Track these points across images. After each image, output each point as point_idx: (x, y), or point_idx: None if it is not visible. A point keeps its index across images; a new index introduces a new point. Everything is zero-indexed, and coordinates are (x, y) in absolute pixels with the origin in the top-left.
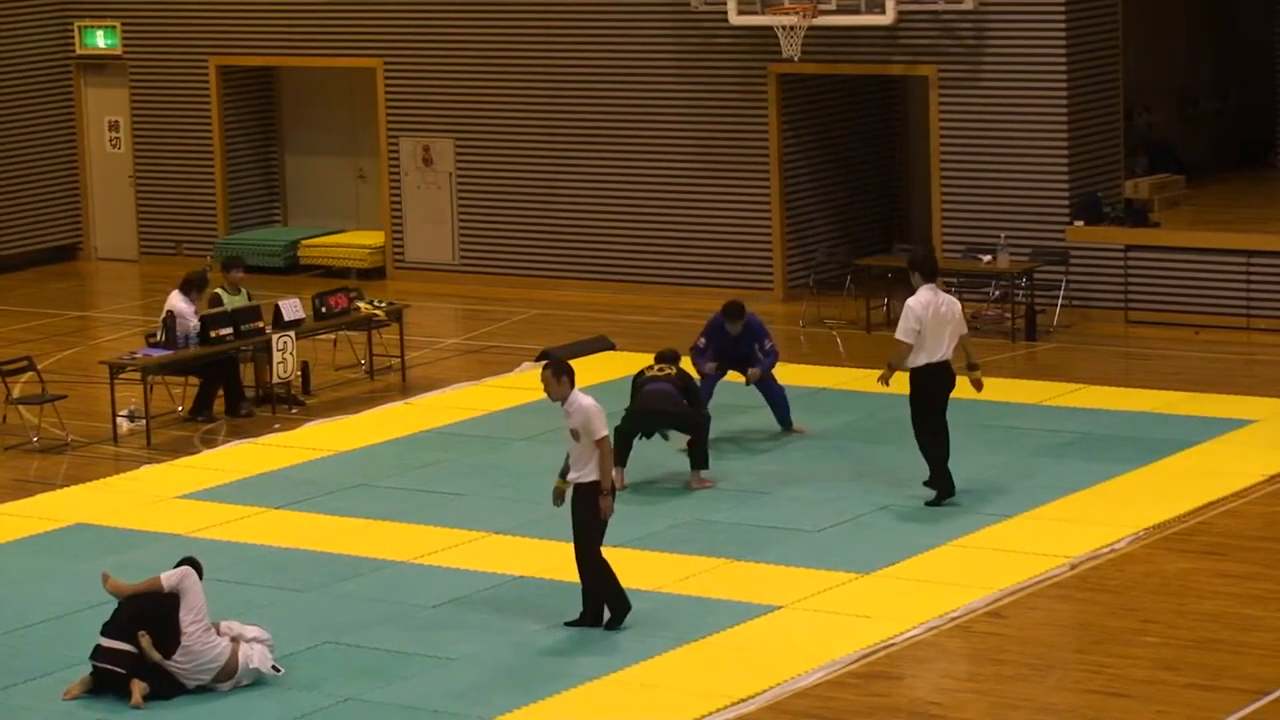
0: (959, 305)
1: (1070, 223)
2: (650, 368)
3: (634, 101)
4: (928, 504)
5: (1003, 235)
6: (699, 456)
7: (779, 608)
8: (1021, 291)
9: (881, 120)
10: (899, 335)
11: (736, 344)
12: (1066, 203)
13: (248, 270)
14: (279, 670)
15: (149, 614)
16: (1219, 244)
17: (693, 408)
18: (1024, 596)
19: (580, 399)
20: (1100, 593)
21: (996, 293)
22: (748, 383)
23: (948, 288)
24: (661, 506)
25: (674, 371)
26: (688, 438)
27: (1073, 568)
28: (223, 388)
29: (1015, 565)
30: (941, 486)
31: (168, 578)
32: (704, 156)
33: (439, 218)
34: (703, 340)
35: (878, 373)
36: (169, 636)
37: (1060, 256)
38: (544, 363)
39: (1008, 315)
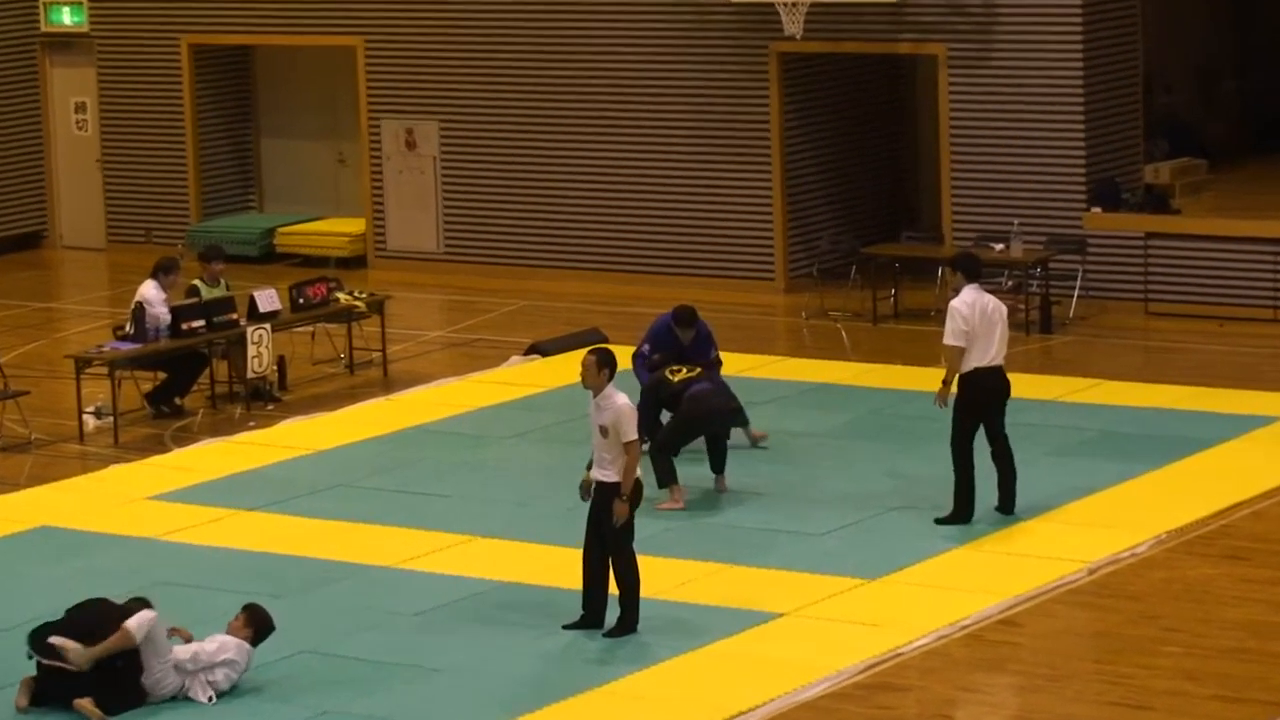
0: (1004, 306)
1: (1087, 209)
2: (672, 371)
3: (628, 81)
4: (937, 521)
5: (1016, 223)
6: (723, 458)
7: (780, 615)
8: (1036, 282)
9: (888, 101)
10: (948, 340)
11: (687, 352)
12: (1083, 188)
13: None
14: (211, 701)
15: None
16: (1244, 231)
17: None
18: (1039, 603)
19: (616, 396)
20: (1119, 600)
21: (1010, 283)
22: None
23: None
24: (658, 509)
25: (701, 370)
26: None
27: (1090, 573)
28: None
29: (1030, 570)
30: (960, 508)
31: (137, 626)
32: (702, 140)
33: (423, 204)
34: (647, 346)
35: (885, 368)
36: (127, 678)
37: (1077, 245)
38: (588, 348)
39: (1021, 307)
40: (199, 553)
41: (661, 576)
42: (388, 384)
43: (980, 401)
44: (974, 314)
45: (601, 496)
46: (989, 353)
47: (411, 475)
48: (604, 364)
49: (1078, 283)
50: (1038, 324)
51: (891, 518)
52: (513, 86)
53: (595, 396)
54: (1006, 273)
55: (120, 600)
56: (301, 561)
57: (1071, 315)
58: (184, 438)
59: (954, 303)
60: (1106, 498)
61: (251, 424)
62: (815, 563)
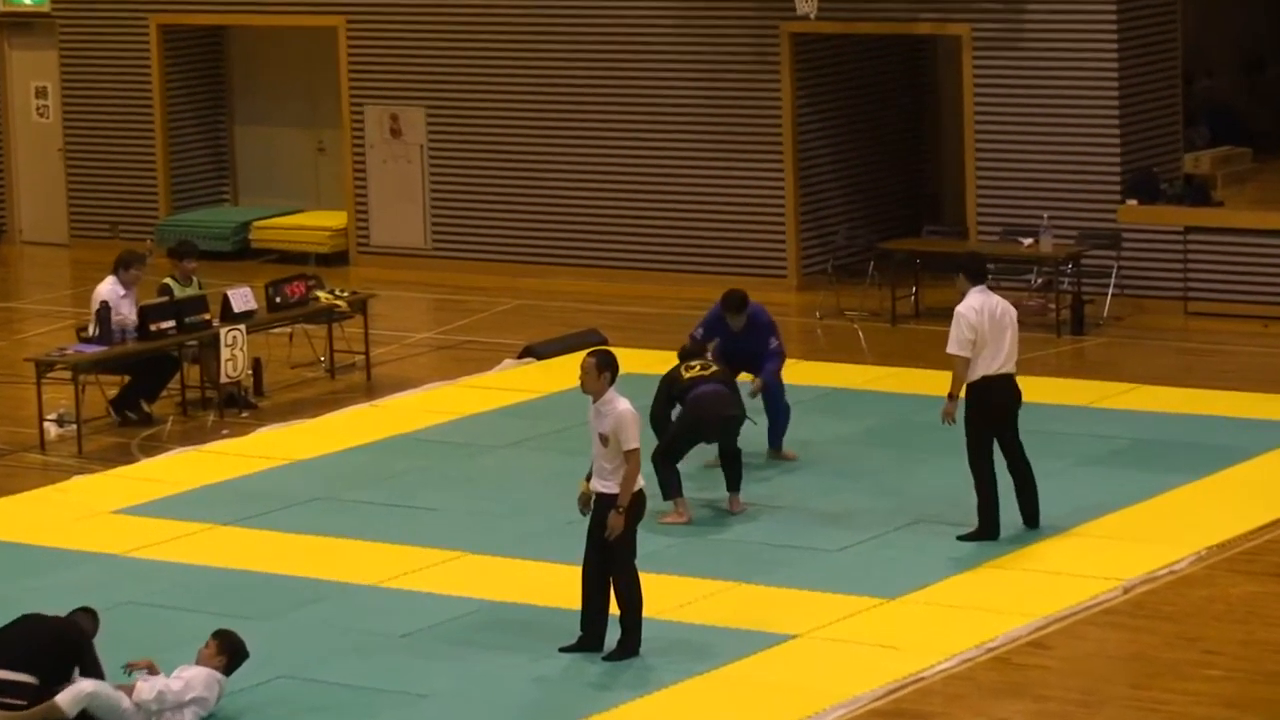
0: (1014, 308)
1: (1122, 201)
2: (686, 367)
3: (629, 64)
4: (961, 538)
5: (1046, 216)
6: (739, 475)
7: (793, 637)
8: (1067, 279)
9: (909, 86)
10: (952, 349)
11: (740, 341)
12: (1118, 179)
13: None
14: None
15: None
16: None
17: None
18: (1070, 624)
19: (618, 402)
20: (1157, 620)
21: (1039, 281)
22: (754, 393)
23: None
24: (657, 522)
25: (717, 369)
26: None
27: (1125, 592)
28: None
29: (1060, 589)
30: (984, 525)
31: (70, 702)
32: (708, 127)
33: (409, 196)
34: (700, 331)
35: (905, 371)
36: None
37: (1111, 240)
38: (587, 350)
39: (1051, 306)
40: (168, 571)
41: (665, 595)
42: (371, 389)
43: (991, 412)
44: (982, 319)
45: (602, 509)
46: (998, 359)
47: (397, 487)
48: (604, 367)
49: (1112, 280)
50: (1069, 324)
51: (912, 532)
52: (506, 69)
53: (595, 402)
54: (1035, 269)
55: (64, 612)
56: (279, 580)
57: (1105, 315)
58: (152, 447)
59: (959, 308)
60: (1142, 510)
61: (225, 432)
62: (830, 581)
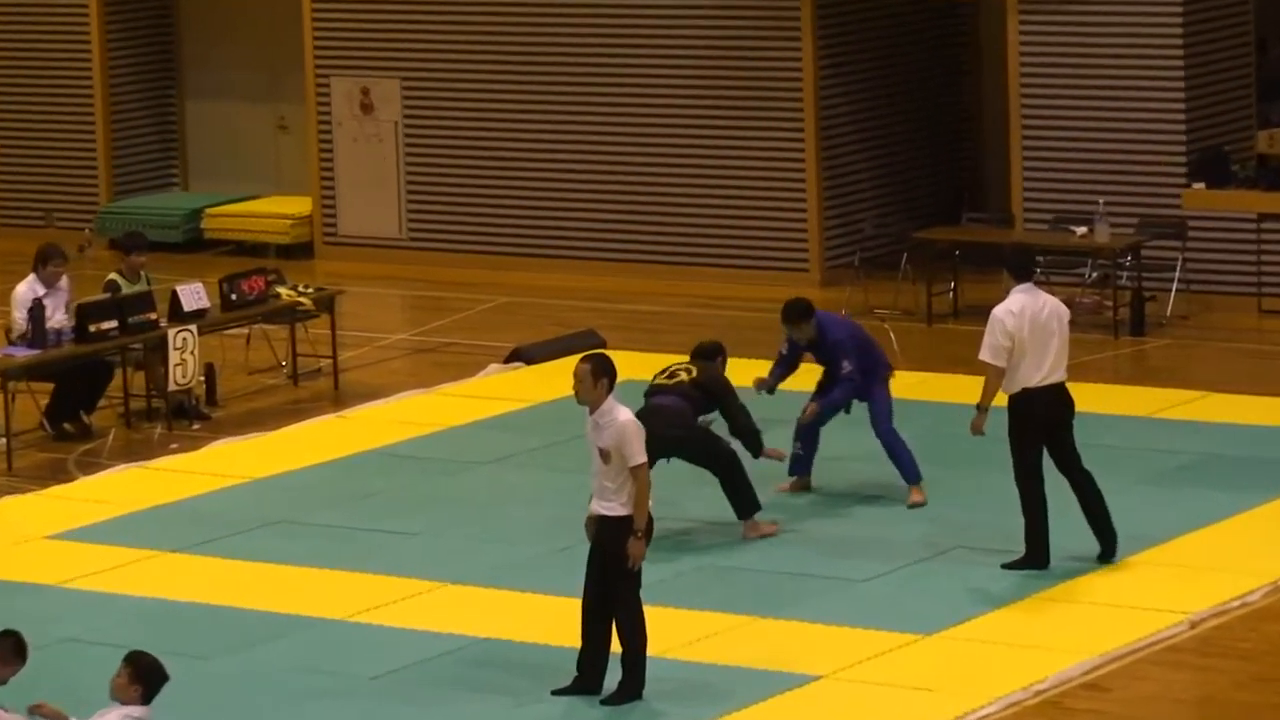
0: (1065, 309)
1: (1188, 185)
2: (664, 371)
3: (630, 30)
4: (1005, 566)
5: (1101, 201)
6: (741, 500)
7: (816, 679)
8: (1126, 273)
9: (946, 55)
10: (984, 356)
11: (818, 357)
12: (1183, 159)
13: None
14: None
15: None
16: None
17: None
18: (1130, 664)
19: (618, 412)
20: (1228, 659)
21: (1094, 275)
22: (803, 422)
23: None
24: (667, 549)
25: (690, 376)
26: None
27: (1192, 627)
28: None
29: (1118, 624)
30: (1032, 552)
31: None
32: (720, 101)
33: (381, 180)
34: (785, 346)
35: (942, 378)
36: None
37: (1175, 228)
38: (582, 355)
39: (1108, 304)
40: (109, 603)
41: (672, 631)
42: (339, 398)
43: (1037, 427)
44: (1021, 323)
45: (604, 534)
46: (1041, 369)
47: (367, 509)
48: (601, 373)
49: (1176, 274)
50: (1128, 324)
51: (950, 560)
52: (492, 38)
53: (593, 413)
54: (1090, 262)
55: None
56: (234, 614)
57: (1169, 313)
58: (92, 463)
59: (996, 310)
60: (1211, 535)
61: (174, 446)
62: (857, 615)
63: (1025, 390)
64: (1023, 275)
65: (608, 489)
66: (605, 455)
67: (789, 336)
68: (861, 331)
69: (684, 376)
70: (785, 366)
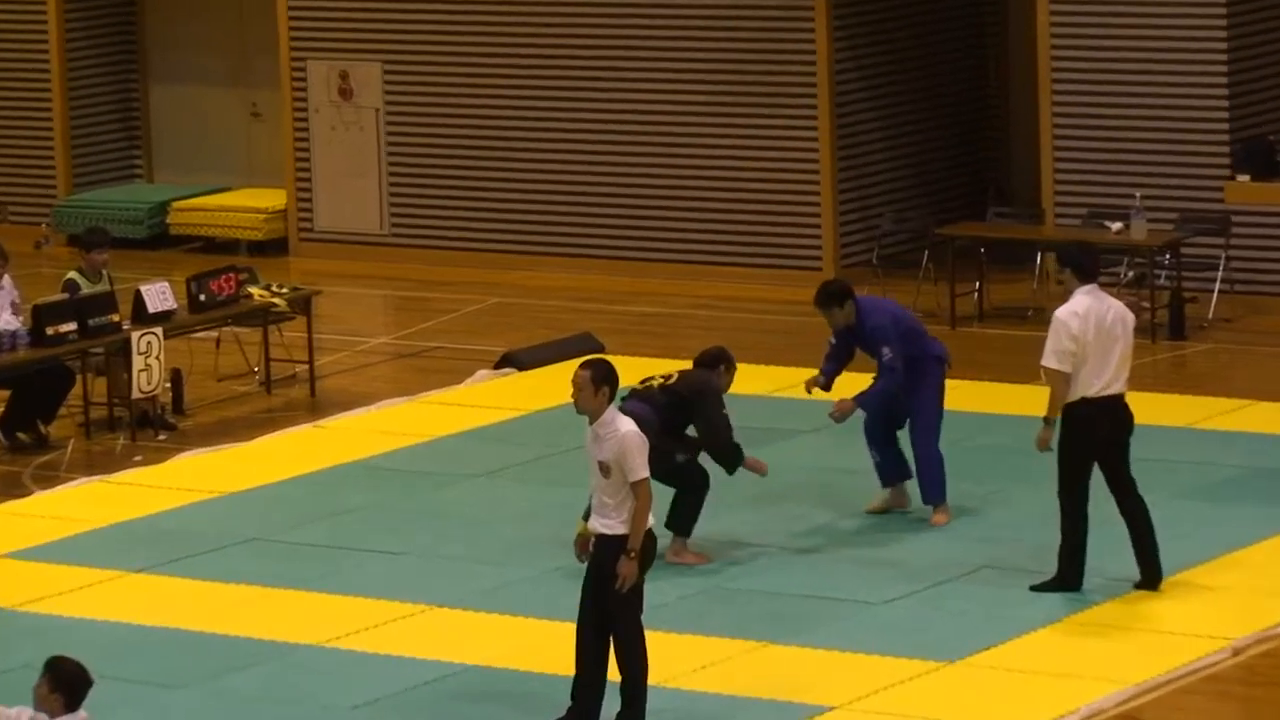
0: (1131, 315)
1: (1231, 177)
2: (649, 379)
3: (632, 14)
4: (1034, 588)
5: (1138, 195)
6: (678, 518)
7: (831, 709)
8: (1164, 273)
9: (970, 38)
10: (1048, 362)
11: (855, 343)
12: (1226, 150)
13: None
14: None
15: None
16: None
17: (683, 444)
18: (1169, 694)
19: (621, 423)
20: (1274, 688)
21: (1130, 274)
22: (835, 417)
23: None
24: (670, 570)
25: (661, 383)
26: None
27: (1235, 654)
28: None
29: (1156, 650)
30: (1064, 572)
31: None
32: (728, 90)
33: (362, 171)
34: (833, 337)
35: (966, 385)
36: None
37: (1218, 224)
38: (582, 361)
39: (1145, 305)
40: (69, 628)
41: (677, 657)
42: (316, 407)
43: (1090, 444)
44: (1086, 328)
45: (603, 554)
46: (1102, 378)
47: (348, 526)
48: (602, 380)
49: (1219, 274)
50: (1166, 327)
51: (975, 582)
52: (481, 18)
53: (592, 423)
54: (1126, 260)
55: None
56: (205, 639)
57: (1211, 316)
58: (49, 477)
59: (1060, 312)
60: (1256, 554)
61: (137, 459)
62: (875, 640)
63: (1084, 401)
64: (1087, 275)
65: (607, 505)
66: (605, 469)
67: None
68: (908, 316)
69: (655, 382)
70: (837, 360)
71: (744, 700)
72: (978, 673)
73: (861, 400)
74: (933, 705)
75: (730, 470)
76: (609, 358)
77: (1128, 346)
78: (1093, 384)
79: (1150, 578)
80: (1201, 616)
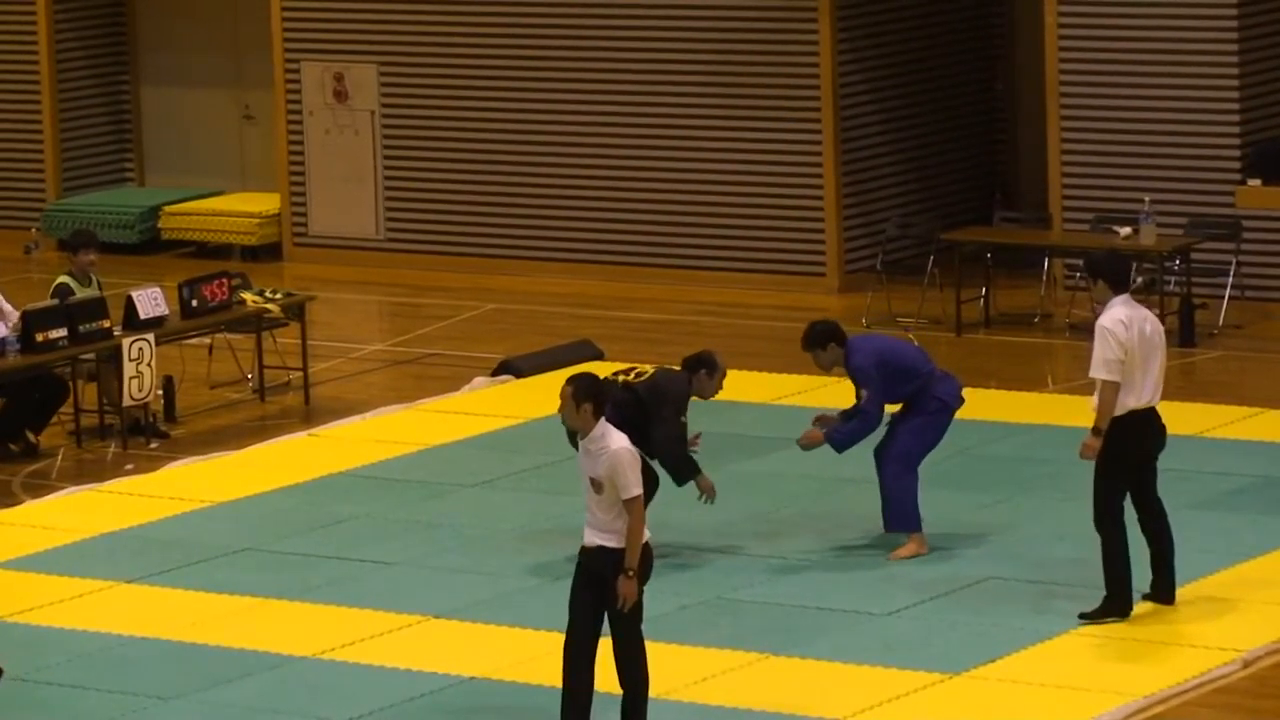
0: (1161, 325)
1: (1242, 181)
2: (619, 373)
3: (631, 16)
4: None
5: (1148, 199)
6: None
7: None
8: (1174, 278)
9: (977, 39)
10: (1097, 372)
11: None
12: (1237, 154)
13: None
14: None
15: None
16: None
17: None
18: (1179, 706)
19: (612, 439)
20: None
21: (1139, 280)
22: (802, 444)
23: (1069, 276)
24: (670, 579)
25: (625, 380)
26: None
27: (1246, 665)
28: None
29: (1165, 663)
30: (1114, 599)
31: None
32: (729, 92)
33: (357, 175)
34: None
35: (973, 393)
36: None
37: (1229, 229)
38: (567, 379)
39: (1155, 312)
40: (59, 639)
41: (676, 669)
42: (310, 414)
43: (1135, 459)
44: (1132, 336)
45: (595, 566)
46: (1146, 389)
47: (342, 536)
48: (584, 396)
49: (1230, 279)
50: (1176, 334)
51: (981, 593)
52: (478, 20)
53: (583, 439)
54: (1135, 266)
55: None
56: (196, 651)
57: (1221, 322)
58: (39, 485)
59: (1105, 321)
60: (1267, 565)
61: (129, 467)
62: (880, 652)
63: (1130, 413)
64: (1121, 286)
65: (600, 520)
66: (597, 485)
67: None
68: (906, 356)
69: (622, 378)
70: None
71: (746, 712)
72: (983, 685)
73: (829, 438)
74: (937, 718)
75: (678, 482)
76: (608, 365)
77: (1164, 356)
78: (1139, 395)
79: (1163, 593)
80: (1211, 628)
